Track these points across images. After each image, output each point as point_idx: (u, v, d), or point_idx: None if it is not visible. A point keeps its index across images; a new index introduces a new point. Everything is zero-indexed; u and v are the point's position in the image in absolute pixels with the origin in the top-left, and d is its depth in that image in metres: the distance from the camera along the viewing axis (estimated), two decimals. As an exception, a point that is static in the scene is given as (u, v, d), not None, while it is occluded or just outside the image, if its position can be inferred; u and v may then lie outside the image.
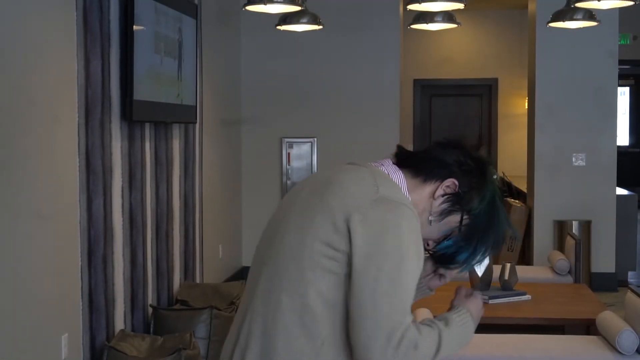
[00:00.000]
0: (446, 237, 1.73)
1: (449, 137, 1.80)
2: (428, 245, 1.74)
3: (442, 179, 1.71)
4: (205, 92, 6.07)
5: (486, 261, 3.91)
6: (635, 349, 3.51)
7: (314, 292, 1.57)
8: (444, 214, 1.70)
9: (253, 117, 7.43)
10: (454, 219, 1.71)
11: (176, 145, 5.37)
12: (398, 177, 1.71)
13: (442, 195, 1.70)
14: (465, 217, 1.70)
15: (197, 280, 5.88)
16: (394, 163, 1.75)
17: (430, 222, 1.70)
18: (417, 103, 10.32)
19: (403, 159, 1.75)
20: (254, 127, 7.43)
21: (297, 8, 4.62)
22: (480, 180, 1.72)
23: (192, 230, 5.74)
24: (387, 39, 7.34)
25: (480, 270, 4.43)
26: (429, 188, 1.71)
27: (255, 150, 7.46)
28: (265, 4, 4.41)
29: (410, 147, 8.03)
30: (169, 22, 4.96)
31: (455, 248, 1.72)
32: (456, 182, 1.70)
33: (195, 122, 5.72)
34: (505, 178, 9.10)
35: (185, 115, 5.42)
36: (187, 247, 5.64)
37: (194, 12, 5.45)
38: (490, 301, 4.31)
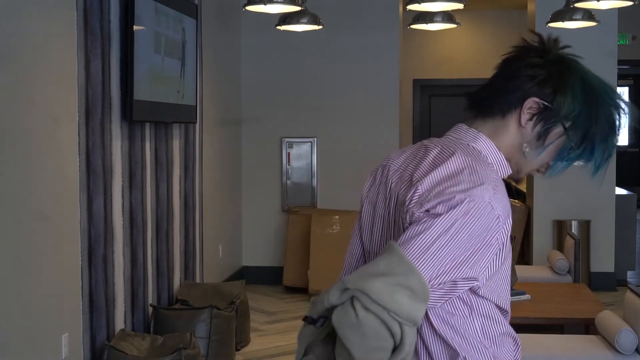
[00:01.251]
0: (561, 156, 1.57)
1: (509, 49, 1.59)
2: (539, 171, 1.59)
3: (521, 103, 1.54)
4: (205, 92, 6.07)
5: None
6: (634, 348, 3.52)
7: None
8: (542, 136, 1.54)
9: (253, 117, 7.44)
10: (557, 133, 1.53)
11: (176, 145, 5.38)
12: (482, 140, 1.59)
13: (530, 120, 1.54)
14: (567, 124, 1.52)
15: (197, 280, 5.89)
16: (470, 122, 1.64)
17: (525, 154, 1.57)
18: (416, 103, 10.32)
19: (477, 107, 1.64)
20: (254, 127, 7.44)
21: (297, 8, 4.62)
22: (561, 77, 1.52)
23: (192, 229, 5.75)
24: (386, 39, 7.35)
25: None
26: (512, 121, 1.56)
27: (255, 150, 7.47)
28: (265, 4, 4.41)
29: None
30: (169, 22, 4.97)
31: (575, 161, 1.58)
32: (536, 99, 1.53)
33: (196, 122, 5.73)
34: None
35: (186, 115, 5.42)
36: (187, 247, 5.64)
37: (194, 12, 5.46)
38: (490, 301, 4.31)
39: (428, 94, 10.37)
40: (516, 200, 7.79)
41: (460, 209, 1.40)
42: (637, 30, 10.66)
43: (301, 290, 6.99)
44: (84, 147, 3.95)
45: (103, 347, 4.01)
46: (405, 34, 7.68)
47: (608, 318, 3.73)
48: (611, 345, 3.58)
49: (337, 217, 6.77)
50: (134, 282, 4.58)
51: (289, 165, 7.43)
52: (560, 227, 7.03)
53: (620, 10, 6.57)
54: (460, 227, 1.39)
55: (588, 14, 5.11)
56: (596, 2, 4.81)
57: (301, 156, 7.42)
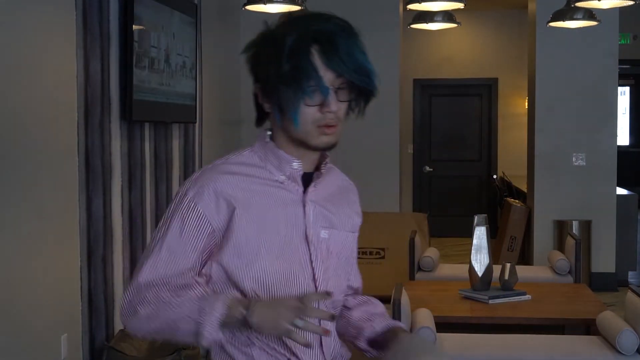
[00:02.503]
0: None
1: None
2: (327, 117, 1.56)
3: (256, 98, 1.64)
4: (205, 92, 6.06)
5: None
6: (635, 349, 3.51)
7: None
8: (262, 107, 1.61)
9: (253, 117, 7.41)
10: (272, 96, 1.57)
11: (176, 145, 5.37)
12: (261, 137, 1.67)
13: (261, 103, 1.62)
14: (264, 86, 1.57)
15: (197, 280, 5.87)
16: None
17: (272, 134, 1.65)
18: (417, 103, 10.31)
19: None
20: (253, 127, 7.40)
21: (297, 8, 4.61)
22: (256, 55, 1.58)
23: (192, 230, 5.73)
24: (387, 38, 7.33)
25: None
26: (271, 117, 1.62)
27: (255, 150, 7.45)
28: (265, 3, 4.40)
29: (410, 147, 8.04)
30: (168, 21, 4.96)
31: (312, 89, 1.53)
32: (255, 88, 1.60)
33: (195, 122, 5.72)
34: (505, 178, 9.09)
35: (185, 115, 5.41)
36: (187, 247, 5.63)
37: (193, 11, 5.45)
38: (490, 301, 4.30)
39: (428, 94, 10.36)
40: (516, 201, 7.78)
41: None
42: (638, 30, 10.65)
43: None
44: (83, 147, 3.94)
45: (102, 347, 4.00)
46: (405, 34, 7.67)
47: (609, 319, 3.72)
48: (612, 346, 3.57)
49: (337, 217, 6.75)
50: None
51: (289, 165, 7.42)
52: (561, 228, 7.03)
53: (621, 9, 6.56)
54: None
55: (589, 14, 5.10)
56: (597, 1, 4.79)
57: (301, 156, 7.40)
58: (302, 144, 1.59)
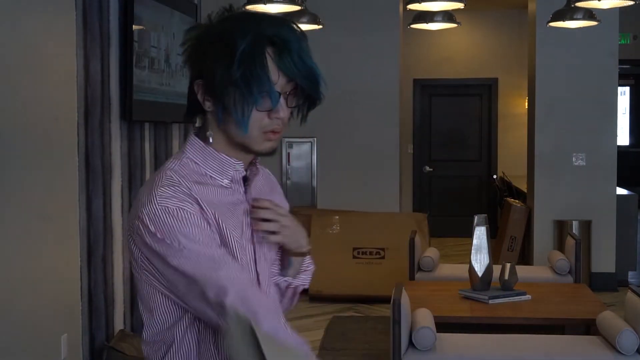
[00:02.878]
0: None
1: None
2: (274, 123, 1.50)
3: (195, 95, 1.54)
4: (205, 92, 6.06)
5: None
6: (635, 349, 3.51)
7: None
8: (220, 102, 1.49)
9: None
10: (222, 98, 1.48)
11: (176, 145, 5.37)
12: (190, 142, 1.58)
13: (202, 101, 1.52)
14: (208, 87, 1.49)
15: (197, 280, 5.87)
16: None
17: (210, 137, 1.55)
18: (417, 103, 10.31)
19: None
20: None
21: (297, 8, 4.61)
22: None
23: (192, 230, 5.73)
24: (387, 38, 7.33)
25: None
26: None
27: (255, 150, 7.45)
28: (265, 3, 4.40)
29: (410, 147, 8.04)
30: (168, 21, 4.96)
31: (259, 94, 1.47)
32: (199, 83, 1.51)
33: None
34: (505, 178, 9.09)
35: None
36: (187, 247, 5.63)
37: (193, 11, 5.45)
38: (490, 301, 4.30)
39: (428, 94, 10.36)
40: (517, 201, 7.78)
41: None
42: (639, 30, 10.65)
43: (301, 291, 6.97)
44: (83, 147, 3.94)
45: (102, 347, 4.00)
46: (405, 34, 7.67)
47: (609, 319, 3.72)
48: (612, 346, 3.57)
49: (337, 217, 6.75)
50: (133, 283, 4.57)
51: (288, 165, 7.42)
52: (561, 228, 7.02)
53: (622, 9, 6.56)
54: None
55: (589, 14, 5.10)
56: (597, 1, 4.79)
57: (301, 156, 7.41)
58: (244, 148, 1.54)
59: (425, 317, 3.63)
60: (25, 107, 3.45)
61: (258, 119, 1.49)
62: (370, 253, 6.65)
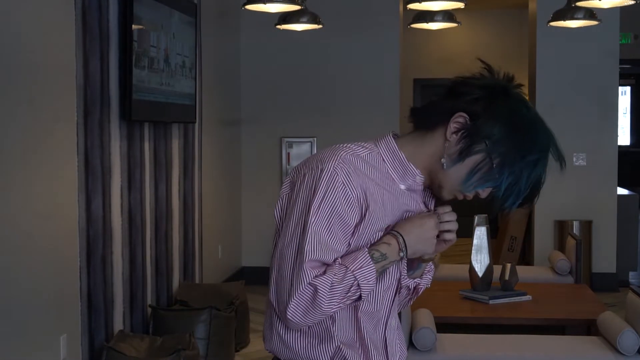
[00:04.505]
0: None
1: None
2: (464, 197, 1.61)
3: (449, 116, 1.57)
4: (204, 91, 6.05)
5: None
6: (636, 350, 3.50)
7: None
8: (464, 153, 1.55)
9: (253, 116, 7.42)
10: (478, 152, 1.54)
11: (175, 145, 5.36)
12: (386, 141, 1.68)
13: (454, 133, 1.56)
14: (487, 145, 1.53)
15: (197, 281, 5.87)
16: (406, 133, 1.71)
17: (444, 166, 1.58)
18: (417, 103, 10.29)
19: (415, 119, 1.67)
20: (253, 127, 7.42)
21: (296, 7, 4.60)
22: (494, 100, 1.56)
23: (191, 230, 5.73)
24: (386, 38, 7.33)
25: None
26: (438, 134, 1.59)
27: (255, 150, 7.45)
28: (264, 3, 4.39)
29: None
30: (168, 21, 4.95)
31: (494, 186, 1.56)
32: (463, 114, 1.55)
33: (195, 122, 5.71)
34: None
35: (185, 115, 5.40)
36: (187, 247, 5.62)
37: (193, 11, 5.44)
38: (491, 301, 4.29)
39: (428, 94, 10.35)
40: (517, 200, 7.76)
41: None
42: (639, 30, 10.63)
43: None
44: (83, 147, 3.93)
45: (102, 348, 3.99)
46: (405, 33, 7.66)
47: (610, 319, 3.71)
48: (613, 347, 3.56)
49: (338, 217, 6.74)
50: (132, 283, 4.56)
51: (288, 165, 7.41)
52: (562, 228, 7.01)
53: (622, 9, 6.55)
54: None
55: (589, 13, 5.08)
56: (598, 1, 4.78)
57: (301, 156, 7.39)
58: (431, 182, 1.64)
59: (425, 317, 3.62)
60: (24, 106, 3.44)
61: (468, 184, 1.58)
62: (371, 253, 6.64)
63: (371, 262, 1.55)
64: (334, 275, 1.53)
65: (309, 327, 1.61)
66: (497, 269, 4.58)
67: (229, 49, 7.07)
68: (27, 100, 3.47)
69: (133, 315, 4.57)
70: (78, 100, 3.89)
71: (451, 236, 1.65)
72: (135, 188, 4.61)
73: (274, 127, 7.43)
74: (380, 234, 1.60)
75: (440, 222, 1.63)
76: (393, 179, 1.64)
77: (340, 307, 1.55)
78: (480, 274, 4.42)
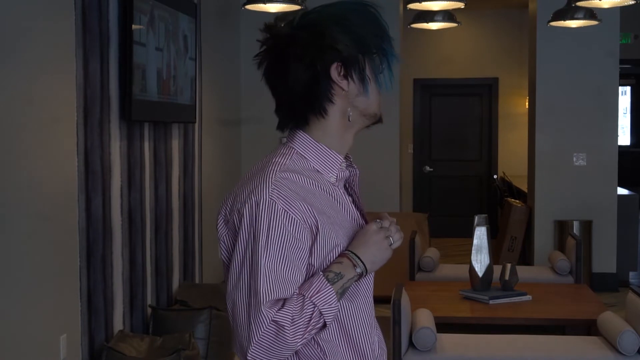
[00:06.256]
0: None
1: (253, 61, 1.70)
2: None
3: (326, 80, 1.60)
4: (204, 91, 6.05)
5: None
6: (636, 350, 3.50)
7: None
8: (362, 76, 1.60)
9: (253, 117, 7.41)
10: (366, 66, 1.60)
11: (175, 145, 5.35)
12: (300, 138, 1.73)
13: (345, 79, 1.59)
14: (350, 48, 1.57)
15: (197, 281, 5.87)
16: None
17: (349, 118, 1.65)
18: (417, 103, 10.30)
19: (293, 122, 1.78)
20: (253, 127, 7.42)
21: (296, 7, 4.60)
22: (319, 27, 1.58)
23: (191, 230, 5.73)
24: (387, 38, 7.31)
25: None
26: (329, 106, 1.65)
27: (255, 150, 7.44)
28: (265, 2, 4.39)
29: (410, 147, 8.02)
30: (168, 21, 4.95)
31: (390, 62, 1.63)
32: (336, 63, 1.58)
33: (195, 122, 5.71)
34: (505, 178, 9.08)
35: (185, 115, 5.40)
36: (187, 247, 5.62)
37: (193, 11, 5.44)
38: (491, 301, 4.29)
39: (428, 94, 10.34)
40: (517, 201, 7.77)
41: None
42: (639, 30, 10.63)
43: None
44: (83, 147, 3.93)
45: (102, 348, 3.99)
46: (405, 33, 7.66)
47: (610, 319, 3.71)
48: (613, 347, 3.56)
49: (338, 217, 6.74)
50: (132, 283, 4.56)
51: (289, 165, 7.40)
52: (562, 228, 7.01)
53: (623, 9, 6.55)
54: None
55: (590, 13, 5.09)
56: (598, 0, 4.78)
57: (301, 156, 7.39)
58: (374, 118, 1.71)
59: (425, 318, 3.62)
60: (24, 106, 3.44)
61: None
62: (371, 253, 6.64)
63: (328, 284, 1.50)
64: (294, 307, 1.47)
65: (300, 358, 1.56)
66: (497, 269, 4.58)
67: (229, 48, 7.07)
68: (27, 100, 3.46)
69: (133, 315, 4.57)
70: (78, 100, 3.89)
71: (395, 238, 1.66)
72: (135, 188, 4.61)
73: (274, 127, 7.39)
74: (339, 242, 1.56)
75: (382, 228, 1.62)
76: (321, 173, 1.63)
77: (306, 338, 1.48)
78: (480, 274, 4.42)
